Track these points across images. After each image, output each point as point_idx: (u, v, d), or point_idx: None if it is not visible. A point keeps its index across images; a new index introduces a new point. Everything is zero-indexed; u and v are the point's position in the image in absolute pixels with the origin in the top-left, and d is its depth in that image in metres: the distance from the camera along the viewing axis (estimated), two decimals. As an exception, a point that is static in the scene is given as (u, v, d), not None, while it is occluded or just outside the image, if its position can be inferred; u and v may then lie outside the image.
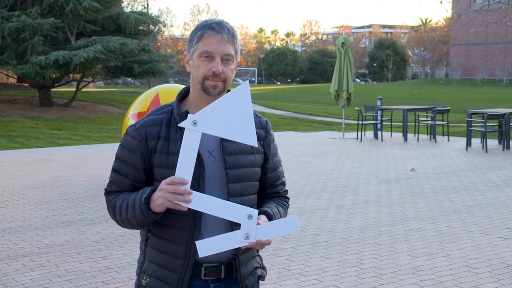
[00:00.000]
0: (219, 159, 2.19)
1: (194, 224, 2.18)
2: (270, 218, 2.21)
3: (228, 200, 2.17)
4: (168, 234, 2.21)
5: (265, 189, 2.37)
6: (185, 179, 2.07)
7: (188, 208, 2.11)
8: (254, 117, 2.30)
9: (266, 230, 2.09)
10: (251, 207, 2.27)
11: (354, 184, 9.86)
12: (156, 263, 2.25)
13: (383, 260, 5.86)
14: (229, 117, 2.06)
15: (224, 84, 2.19)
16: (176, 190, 2.05)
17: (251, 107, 2.07)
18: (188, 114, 2.11)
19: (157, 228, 2.24)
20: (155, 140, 2.20)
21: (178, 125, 2.13)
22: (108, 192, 2.30)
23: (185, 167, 2.07)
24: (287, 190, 2.44)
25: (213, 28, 2.17)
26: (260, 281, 2.37)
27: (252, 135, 2.07)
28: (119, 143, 2.29)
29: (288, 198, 2.44)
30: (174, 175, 2.10)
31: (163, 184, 2.08)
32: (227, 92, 2.22)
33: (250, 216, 2.08)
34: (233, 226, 2.20)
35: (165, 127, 2.21)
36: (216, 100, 2.10)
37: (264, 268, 2.40)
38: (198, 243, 2.08)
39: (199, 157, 2.15)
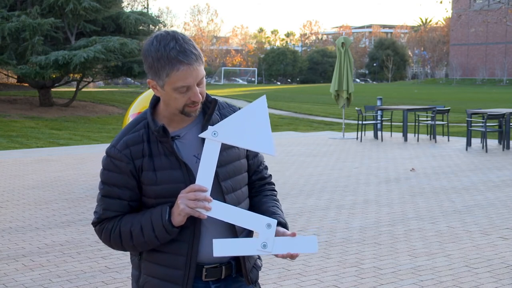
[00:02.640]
0: None
1: (193, 234, 2.16)
2: (285, 227, 2.24)
3: (224, 198, 2.18)
4: (167, 247, 2.18)
5: (251, 176, 2.36)
6: (204, 186, 2.07)
7: (190, 218, 2.12)
8: (228, 107, 2.32)
9: (284, 243, 2.12)
10: (245, 199, 2.29)
11: (354, 184, 9.86)
12: (155, 277, 2.21)
13: (383, 260, 5.86)
14: (248, 128, 2.11)
15: (201, 102, 2.17)
16: (197, 196, 2.05)
17: (268, 119, 2.13)
18: (209, 126, 2.11)
19: None
20: (140, 159, 2.16)
21: (199, 135, 2.12)
22: (101, 221, 2.22)
23: (204, 176, 2.10)
24: (271, 175, 2.46)
25: (181, 62, 2.05)
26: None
27: (270, 144, 2.11)
28: (102, 168, 2.22)
29: (274, 184, 2.46)
30: (165, 191, 2.12)
31: (182, 193, 2.07)
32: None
33: (268, 225, 2.11)
34: (238, 234, 2.20)
35: (146, 144, 2.17)
36: (234, 113, 2.14)
37: (259, 257, 2.40)
38: (215, 242, 2.09)
39: (186, 167, 2.14)
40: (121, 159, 2.16)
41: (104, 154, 2.23)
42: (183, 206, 2.06)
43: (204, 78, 2.16)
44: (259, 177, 2.39)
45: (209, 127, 2.10)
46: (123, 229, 2.16)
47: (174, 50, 2.06)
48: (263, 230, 2.10)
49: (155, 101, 2.24)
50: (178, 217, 2.08)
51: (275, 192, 2.43)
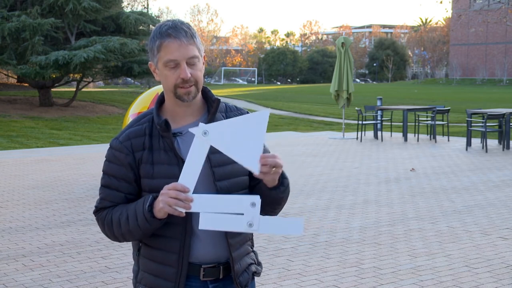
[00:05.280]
0: (204, 158, 2.18)
1: (185, 232, 2.17)
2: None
3: None
4: (160, 244, 2.20)
5: (256, 181, 2.34)
6: (187, 187, 2.05)
7: (179, 216, 2.10)
8: (235, 110, 2.32)
9: (269, 223, 2.09)
10: None
11: (354, 184, 9.86)
12: (150, 273, 2.24)
13: (383, 260, 5.86)
14: (240, 138, 2.05)
15: (196, 87, 2.18)
16: (177, 195, 2.03)
17: (264, 134, 2.06)
18: (200, 123, 2.07)
19: (149, 238, 2.22)
20: (140, 151, 2.19)
21: (189, 130, 2.10)
22: (99, 210, 2.26)
23: (189, 175, 2.06)
24: None
25: (170, 35, 2.13)
26: (255, 277, 2.36)
27: (256, 162, 2.05)
28: (105, 159, 2.27)
29: None
30: (159, 185, 2.11)
31: (164, 189, 2.06)
32: (201, 92, 2.23)
33: (253, 204, 2.06)
34: (227, 234, 2.19)
35: (148, 137, 2.20)
36: (232, 118, 2.09)
37: (259, 264, 2.38)
38: (202, 215, 2.06)
39: (184, 164, 2.14)
40: (121, 150, 2.20)
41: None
42: (163, 204, 2.05)
43: (198, 61, 2.17)
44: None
45: (201, 124, 2.06)
46: (113, 217, 2.20)
47: (166, 26, 2.16)
48: (248, 209, 2.06)
49: (162, 97, 2.28)
50: (159, 213, 2.09)
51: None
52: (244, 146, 2.05)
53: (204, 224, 2.06)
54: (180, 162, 2.15)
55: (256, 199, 2.07)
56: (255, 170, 2.06)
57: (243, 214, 2.07)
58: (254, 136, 2.06)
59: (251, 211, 2.06)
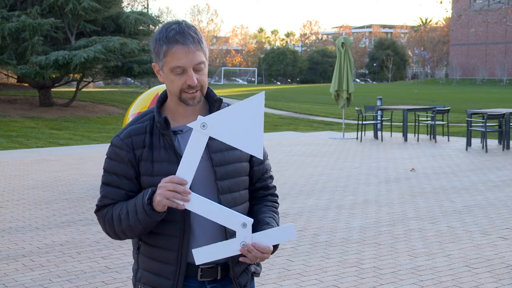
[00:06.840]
0: (206, 157, 2.18)
1: (184, 230, 2.17)
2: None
3: (218, 197, 2.17)
4: (159, 242, 2.20)
5: (254, 183, 2.35)
6: (185, 179, 2.05)
7: (180, 213, 2.11)
8: None
9: (262, 238, 2.09)
10: (243, 202, 2.27)
11: (354, 184, 9.86)
12: (149, 271, 2.24)
13: (383, 260, 5.86)
14: (239, 125, 2.02)
15: (201, 91, 2.18)
16: (175, 188, 2.04)
17: (262, 118, 2.03)
18: (199, 116, 2.06)
19: (148, 236, 2.22)
20: (141, 149, 2.20)
21: (187, 125, 2.10)
22: (100, 208, 2.26)
23: (187, 168, 2.05)
24: (275, 186, 2.44)
25: (177, 41, 2.10)
26: (254, 277, 2.36)
27: (259, 146, 2.04)
28: (106, 156, 2.27)
29: (277, 196, 2.45)
30: (159, 183, 2.10)
31: (162, 182, 2.06)
32: (205, 96, 2.23)
33: (244, 225, 2.07)
34: (227, 234, 2.19)
35: (148, 135, 2.20)
36: (228, 107, 2.07)
37: (258, 264, 2.38)
38: (194, 251, 2.07)
39: None
40: (121, 148, 2.20)
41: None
42: (160, 198, 2.05)
43: (204, 66, 2.17)
44: (263, 185, 2.37)
45: (199, 117, 2.05)
46: (114, 213, 2.20)
47: (173, 31, 2.12)
48: (239, 229, 2.07)
49: (164, 96, 2.28)
50: (158, 206, 2.09)
51: (276, 205, 2.40)
52: (245, 133, 2.03)
53: (200, 259, 2.07)
54: (180, 160, 2.15)
55: (248, 220, 2.07)
56: (259, 155, 2.05)
57: (234, 233, 2.08)
58: (253, 120, 2.03)
59: (243, 231, 2.07)
